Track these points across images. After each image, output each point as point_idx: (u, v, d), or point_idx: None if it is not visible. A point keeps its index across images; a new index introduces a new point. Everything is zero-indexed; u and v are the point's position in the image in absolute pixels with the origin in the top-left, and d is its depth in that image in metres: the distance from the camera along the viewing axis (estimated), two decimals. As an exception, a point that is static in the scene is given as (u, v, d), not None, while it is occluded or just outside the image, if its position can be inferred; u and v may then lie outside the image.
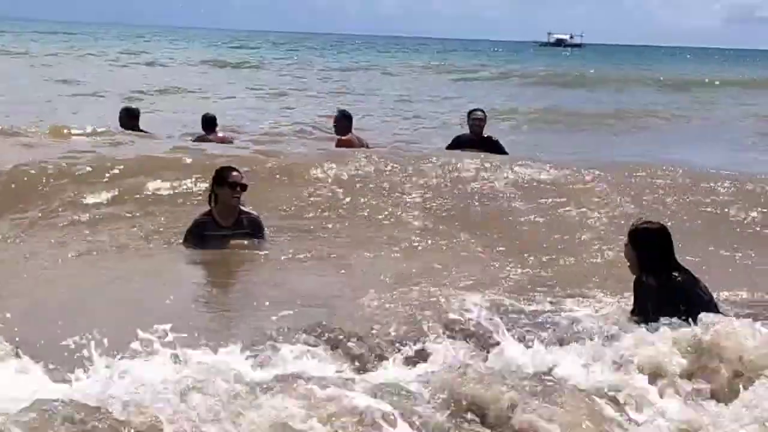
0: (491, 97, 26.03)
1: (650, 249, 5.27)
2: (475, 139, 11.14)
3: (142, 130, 12.35)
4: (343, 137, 11.45)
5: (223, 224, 6.90)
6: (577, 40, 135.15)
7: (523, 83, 34.75)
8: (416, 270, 6.62)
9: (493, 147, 11.14)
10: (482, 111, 11.54)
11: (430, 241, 7.71)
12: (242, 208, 7.00)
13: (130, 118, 12.39)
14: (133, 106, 13.25)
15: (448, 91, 29.61)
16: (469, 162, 9.91)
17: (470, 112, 11.52)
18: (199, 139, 12.14)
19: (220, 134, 12.32)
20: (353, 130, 11.70)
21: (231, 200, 6.85)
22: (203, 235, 6.89)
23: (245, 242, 6.96)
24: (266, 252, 7.02)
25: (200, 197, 8.00)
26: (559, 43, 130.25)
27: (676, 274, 5.21)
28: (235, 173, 6.92)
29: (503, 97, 27.02)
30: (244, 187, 6.92)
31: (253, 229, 7.05)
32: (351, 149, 10.97)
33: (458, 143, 11.35)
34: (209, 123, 12.29)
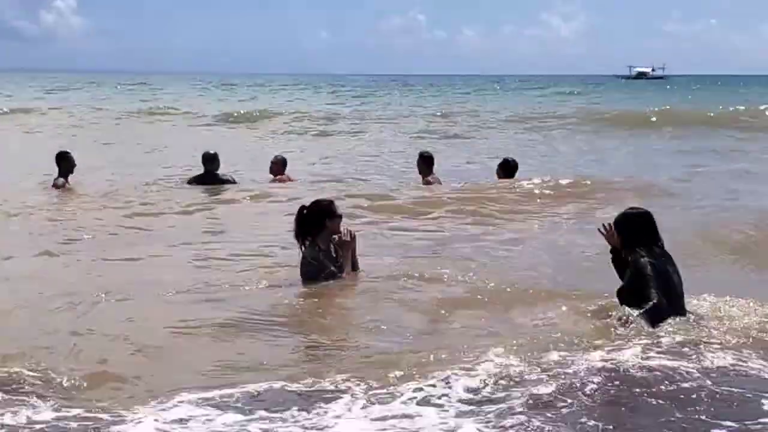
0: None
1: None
2: None
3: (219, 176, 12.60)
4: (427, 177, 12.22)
5: (332, 254, 7.15)
6: (659, 73, 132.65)
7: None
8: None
9: None
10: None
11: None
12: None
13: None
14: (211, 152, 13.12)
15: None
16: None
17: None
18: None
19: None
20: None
21: (339, 229, 7.13)
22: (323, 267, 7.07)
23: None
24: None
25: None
26: (641, 76, 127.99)
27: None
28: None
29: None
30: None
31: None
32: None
33: None
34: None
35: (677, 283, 5.79)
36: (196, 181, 12.67)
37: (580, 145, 22.40)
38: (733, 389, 4.63)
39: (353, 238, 7.17)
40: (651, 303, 5.50)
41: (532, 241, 9.22)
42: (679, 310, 5.69)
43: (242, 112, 34.20)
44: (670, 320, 5.51)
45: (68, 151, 12.79)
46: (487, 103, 43.56)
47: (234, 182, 12.80)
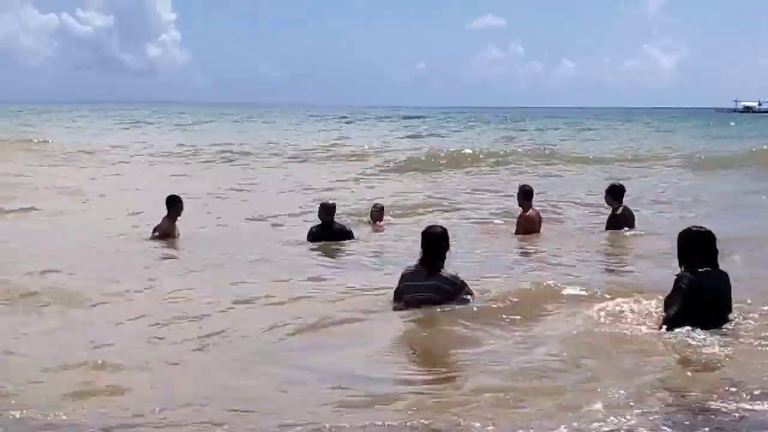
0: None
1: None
2: None
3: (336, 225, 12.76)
4: (526, 213, 12.60)
5: None
6: (766, 107, 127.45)
7: None
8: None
9: None
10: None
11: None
12: None
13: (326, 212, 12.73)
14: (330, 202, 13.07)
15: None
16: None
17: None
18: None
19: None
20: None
21: None
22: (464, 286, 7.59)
23: None
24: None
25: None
26: (747, 110, 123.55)
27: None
28: None
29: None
30: None
31: None
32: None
33: None
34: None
35: (715, 299, 6.58)
36: (314, 235, 12.58)
37: None
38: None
39: None
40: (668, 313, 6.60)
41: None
42: (715, 322, 6.53)
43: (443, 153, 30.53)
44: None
45: (179, 195, 12.98)
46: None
47: (349, 232, 12.73)
